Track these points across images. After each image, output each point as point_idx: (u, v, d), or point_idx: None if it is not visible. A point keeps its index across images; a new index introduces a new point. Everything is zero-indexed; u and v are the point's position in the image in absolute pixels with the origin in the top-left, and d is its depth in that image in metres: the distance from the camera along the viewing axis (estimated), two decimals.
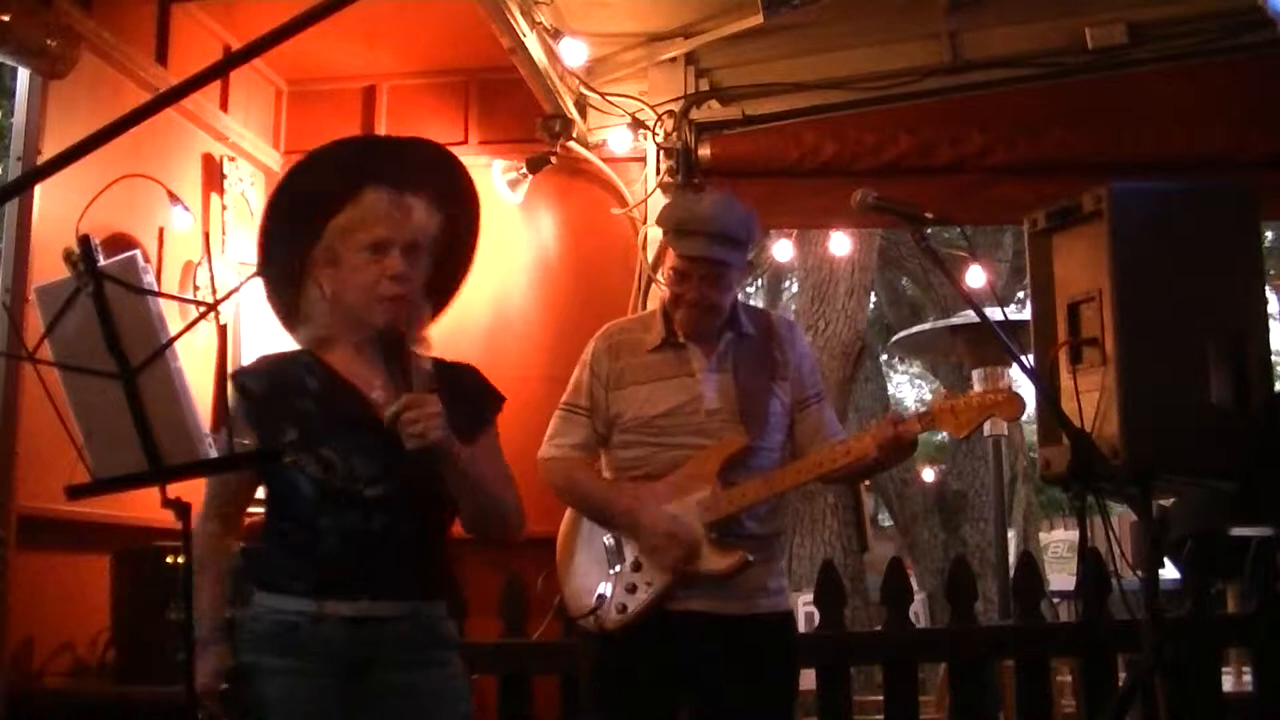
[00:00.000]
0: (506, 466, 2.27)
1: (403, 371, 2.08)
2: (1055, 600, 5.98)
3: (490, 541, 2.27)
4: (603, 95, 4.40)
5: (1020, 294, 10.92)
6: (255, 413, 2.12)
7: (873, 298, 10.82)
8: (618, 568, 2.76)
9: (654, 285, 4.17)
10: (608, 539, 2.80)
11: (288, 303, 2.23)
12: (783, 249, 6.59)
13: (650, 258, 4.28)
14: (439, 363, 2.27)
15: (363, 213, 2.14)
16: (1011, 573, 4.07)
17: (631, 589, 2.73)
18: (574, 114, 4.33)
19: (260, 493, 2.22)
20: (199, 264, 4.11)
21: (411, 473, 2.07)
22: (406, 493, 2.10)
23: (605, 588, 2.75)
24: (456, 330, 4.43)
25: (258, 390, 2.14)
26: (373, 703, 2.06)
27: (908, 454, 2.76)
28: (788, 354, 2.87)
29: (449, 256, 2.28)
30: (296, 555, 2.09)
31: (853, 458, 2.70)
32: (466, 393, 2.22)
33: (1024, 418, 2.86)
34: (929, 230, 2.63)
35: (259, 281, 2.23)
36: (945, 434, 2.89)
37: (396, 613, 2.09)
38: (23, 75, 3.39)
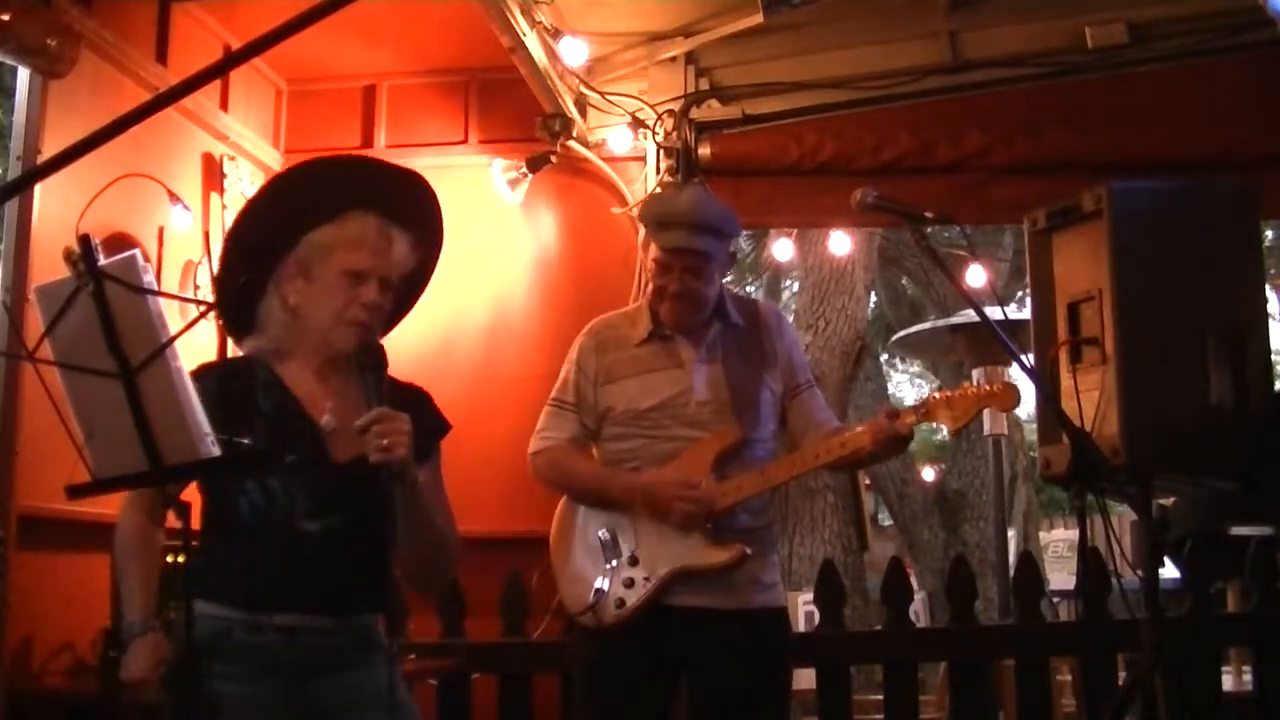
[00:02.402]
0: (448, 502, 2.24)
1: (377, 386, 2.04)
2: (1055, 600, 5.97)
3: (426, 585, 2.26)
4: (603, 95, 4.40)
5: (1020, 293, 10.91)
6: (209, 419, 2.06)
7: (873, 297, 10.81)
8: (613, 562, 2.77)
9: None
10: (603, 533, 2.80)
11: (240, 308, 2.19)
12: (783, 249, 6.59)
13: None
14: (393, 383, 2.21)
15: (346, 236, 2.11)
16: (1011, 572, 4.07)
17: (629, 583, 2.74)
18: (574, 113, 4.33)
19: None
20: (199, 263, 4.11)
21: (354, 511, 2.07)
22: (346, 530, 2.08)
23: (602, 582, 2.75)
24: (456, 330, 4.48)
25: (215, 393, 2.06)
26: (314, 706, 2.06)
27: (904, 447, 2.78)
28: (776, 343, 2.89)
29: (406, 292, 2.27)
30: (232, 569, 2.07)
31: (848, 451, 2.72)
32: (414, 418, 2.10)
33: (1024, 417, 2.87)
34: (929, 230, 2.63)
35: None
36: (946, 433, 2.90)
37: (330, 626, 2.08)
38: (23, 75, 3.39)
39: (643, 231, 2.95)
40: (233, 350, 3.91)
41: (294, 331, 2.15)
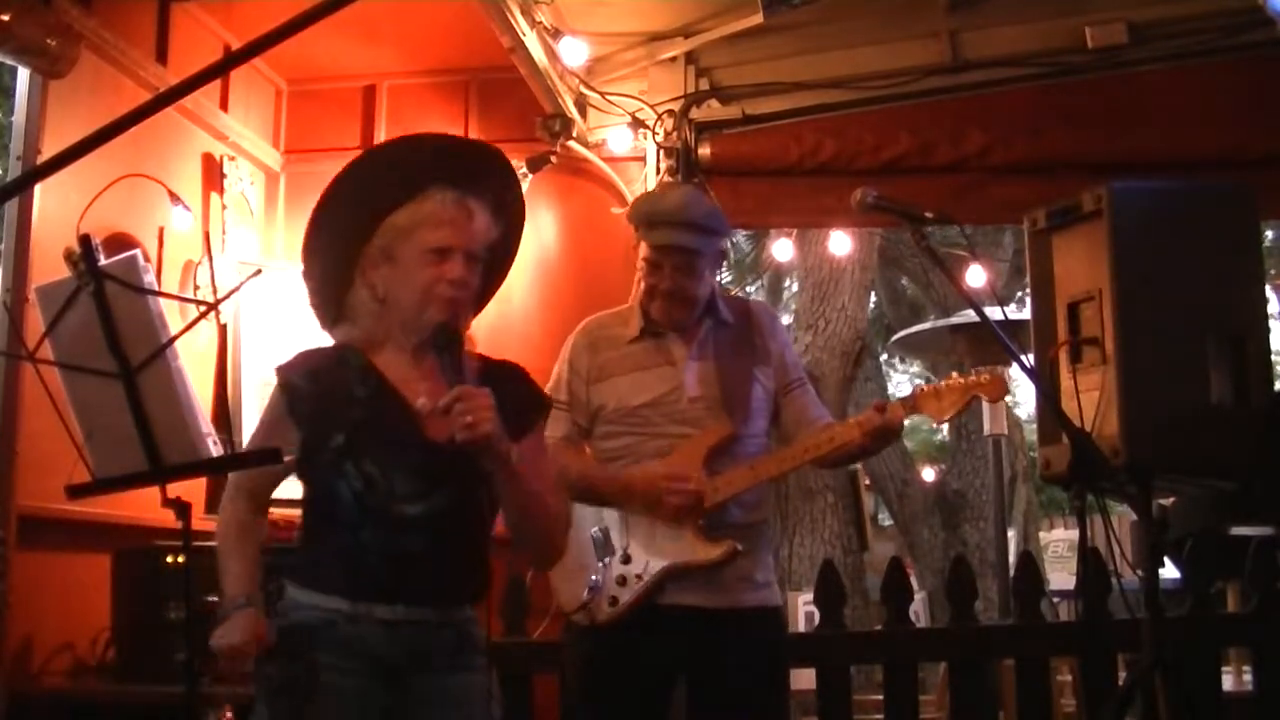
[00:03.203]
0: (552, 473, 2.23)
1: (455, 365, 2.02)
2: (1055, 600, 5.96)
3: (536, 555, 2.22)
4: (603, 95, 4.40)
5: (1020, 293, 10.91)
6: (304, 411, 2.08)
7: (873, 297, 10.81)
8: (607, 559, 2.77)
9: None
10: (595, 531, 2.81)
11: (330, 301, 2.18)
12: (783, 249, 6.58)
13: None
14: (486, 360, 2.22)
15: (426, 214, 2.10)
16: (1011, 573, 4.07)
17: (622, 581, 2.74)
18: (574, 113, 4.33)
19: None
20: (199, 264, 4.11)
21: (453, 493, 2.06)
22: (446, 513, 2.07)
23: (595, 580, 2.76)
24: None
25: (308, 389, 2.09)
26: (411, 706, 2.06)
27: (893, 439, 2.79)
28: (768, 340, 2.90)
29: (492, 267, 2.24)
30: (335, 557, 2.06)
31: (837, 444, 2.73)
32: (513, 393, 2.13)
33: (1024, 417, 2.87)
34: (929, 230, 2.63)
35: (261, 280, 2.20)
36: (945, 431, 2.90)
37: (432, 618, 2.07)
38: (23, 75, 3.39)
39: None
40: (232, 350, 3.91)
41: (384, 319, 2.13)
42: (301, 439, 2.07)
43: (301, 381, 2.10)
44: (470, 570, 2.14)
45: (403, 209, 2.11)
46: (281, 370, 2.13)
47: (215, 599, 2.11)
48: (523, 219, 2.31)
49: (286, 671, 2.01)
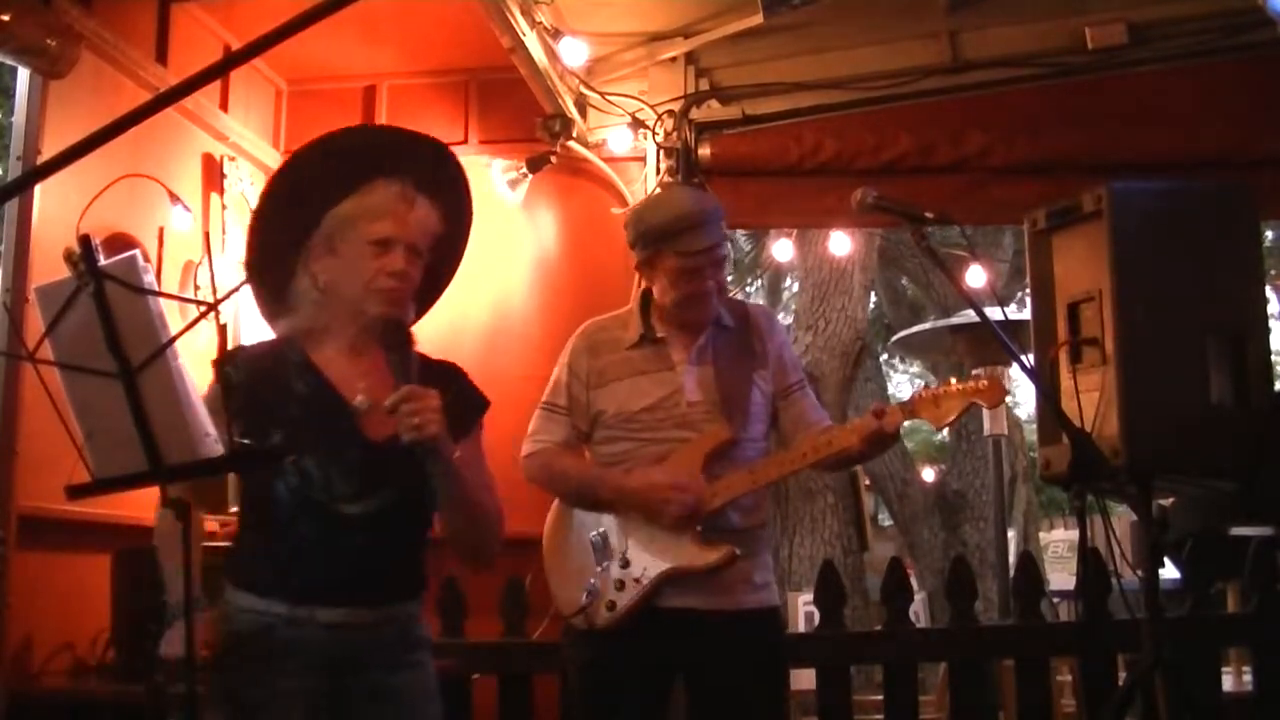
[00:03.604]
0: (490, 474, 2.22)
1: (404, 364, 2.02)
2: (1055, 600, 5.97)
3: (473, 558, 2.22)
4: (603, 95, 4.40)
5: (1020, 293, 10.91)
6: (240, 408, 2.03)
7: (873, 298, 10.82)
8: (605, 564, 2.77)
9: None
10: (594, 535, 2.81)
11: (273, 291, 2.17)
12: (783, 249, 6.58)
13: None
14: (425, 360, 2.19)
15: (370, 204, 2.09)
16: (1011, 573, 4.07)
17: (620, 585, 2.74)
18: (574, 114, 4.33)
19: None
20: (199, 264, 4.11)
21: (392, 492, 2.05)
22: (386, 512, 2.06)
23: (594, 584, 2.76)
24: (457, 330, 4.48)
25: (244, 382, 2.07)
26: (356, 704, 2.05)
27: (891, 444, 2.78)
28: (766, 344, 2.89)
29: (439, 264, 2.24)
30: (273, 559, 2.05)
31: (835, 449, 2.72)
32: (453, 394, 2.12)
33: (1024, 418, 2.87)
34: (929, 230, 2.63)
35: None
36: (943, 432, 2.90)
37: (374, 619, 2.07)
38: (23, 75, 3.39)
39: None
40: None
41: (325, 309, 2.13)
42: (240, 431, 2.03)
43: (239, 375, 2.07)
44: (410, 568, 2.15)
45: (347, 200, 2.10)
46: (218, 364, 2.07)
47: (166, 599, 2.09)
48: (469, 215, 2.31)
49: (230, 682, 2.00)
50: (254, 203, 4.38)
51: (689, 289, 2.78)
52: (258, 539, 2.09)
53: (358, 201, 2.10)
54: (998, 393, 2.69)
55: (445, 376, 2.19)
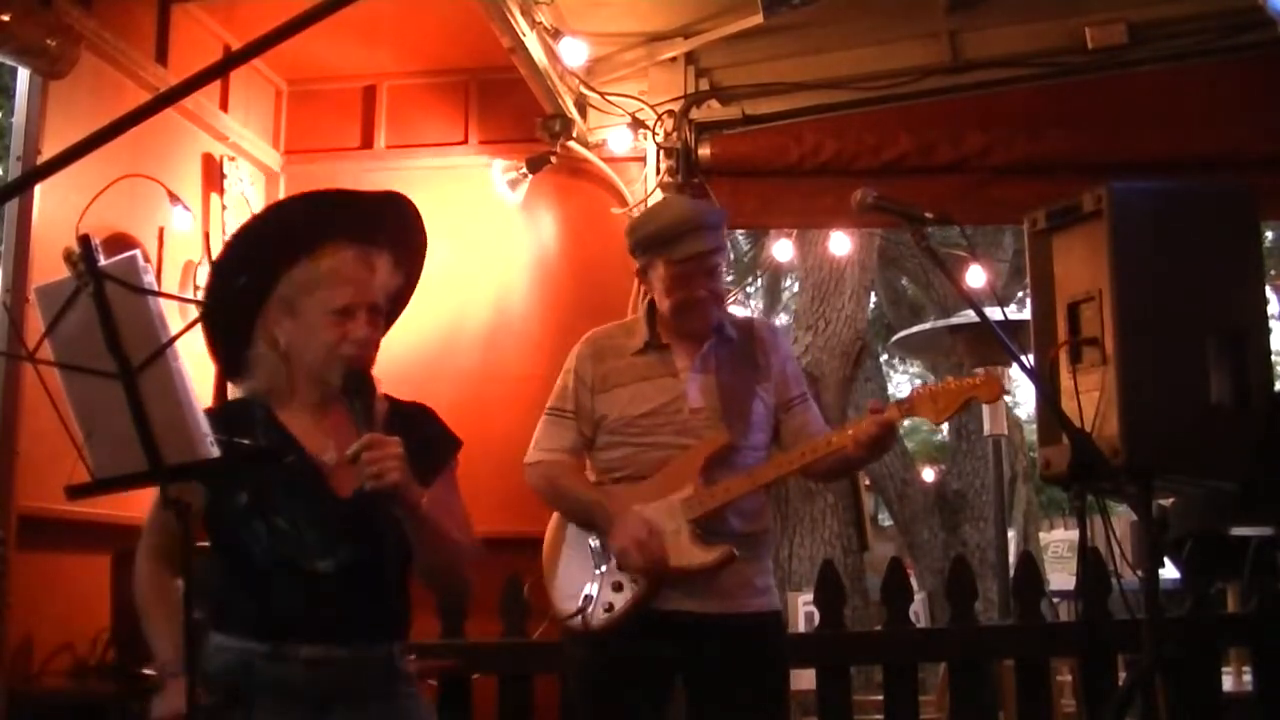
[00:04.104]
0: (464, 512, 2.22)
1: (366, 412, 2.02)
2: (1055, 600, 5.97)
3: (441, 590, 2.21)
4: (603, 95, 4.40)
5: (1020, 294, 10.91)
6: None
7: (873, 298, 10.81)
8: (603, 567, 2.78)
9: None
10: (593, 540, 2.81)
11: (230, 354, 2.17)
12: (783, 249, 6.58)
13: None
14: (394, 403, 2.20)
15: (326, 271, 2.09)
16: (1011, 573, 4.07)
17: (618, 588, 2.74)
18: (574, 114, 4.33)
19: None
20: (199, 264, 4.11)
21: (363, 546, 2.05)
22: (357, 566, 2.06)
23: (591, 588, 2.76)
24: (457, 330, 4.48)
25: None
26: None
27: (890, 444, 2.78)
28: (770, 357, 2.90)
29: (394, 303, 2.24)
30: (249, 604, 2.05)
31: (833, 449, 2.73)
32: (422, 435, 2.13)
33: (1024, 417, 2.87)
34: (929, 230, 2.63)
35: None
36: (943, 428, 2.90)
37: (354, 657, 2.06)
38: (23, 75, 3.39)
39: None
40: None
41: (286, 372, 2.13)
42: (207, 496, 2.04)
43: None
44: (389, 612, 2.14)
45: (300, 265, 2.10)
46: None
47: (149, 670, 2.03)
48: (423, 258, 2.31)
49: None
50: (254, 203, 4.40)
51: (681, 296, 2.79)
52: (233, 587, 2.08)
53: (313, 267, 2.10)
54: (994, 387, 2.70)
55: (413, 419, 2.18)
